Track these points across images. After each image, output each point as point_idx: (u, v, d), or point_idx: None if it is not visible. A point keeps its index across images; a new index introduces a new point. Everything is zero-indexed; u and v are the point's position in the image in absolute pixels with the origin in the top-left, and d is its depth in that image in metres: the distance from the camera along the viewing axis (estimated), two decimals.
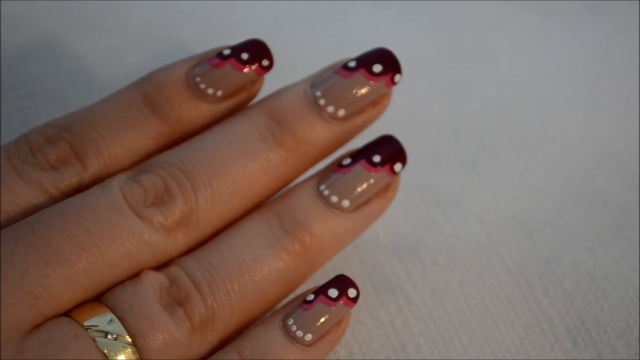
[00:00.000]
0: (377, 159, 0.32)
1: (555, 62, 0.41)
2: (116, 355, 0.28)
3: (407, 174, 0.37)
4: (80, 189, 0.31)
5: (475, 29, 0.41)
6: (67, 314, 0.29)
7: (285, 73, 0.35)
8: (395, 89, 0.34)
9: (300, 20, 0.41)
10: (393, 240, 0.36)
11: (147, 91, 0.32)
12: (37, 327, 0.28)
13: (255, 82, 0.33)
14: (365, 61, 0.32)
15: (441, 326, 0.35)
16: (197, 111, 0.32)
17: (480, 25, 0.42)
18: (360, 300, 0.35)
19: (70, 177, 0.30)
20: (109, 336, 0.28)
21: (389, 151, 0.32)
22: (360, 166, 0.32)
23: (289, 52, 0.39)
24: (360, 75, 0.32)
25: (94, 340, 0.28)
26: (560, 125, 0.39)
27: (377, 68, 0.32)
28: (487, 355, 0.34)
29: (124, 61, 0.39)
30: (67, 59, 0.39)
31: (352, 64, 0.32)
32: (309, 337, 0.30)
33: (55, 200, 0.30)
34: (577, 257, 0.36)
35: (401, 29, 0.41)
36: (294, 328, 0.30)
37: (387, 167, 0.32)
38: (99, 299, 0.29)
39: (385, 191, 0.32)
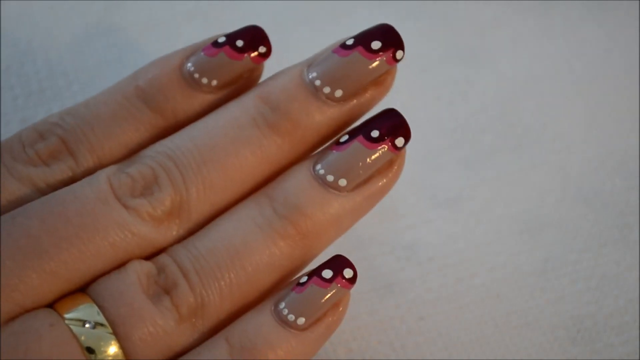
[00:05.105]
0: (375, 134, 0.30)
1: (555, 62, 0.41)
2: (94, 343, 0.28)
3: (407, 173, 0.37)
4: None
5: (475, 29, 0.41)
6: (51, 305, 0.28)
7: None
8: (395, 88, 0.34)
9: (300, 20, 0.41)
10: (391, 240, 0.36)
11: (141, 83, 0.31)
12: (13, 319, 0.28)
13: (253, 70, 0.32)
14: (364, 38, 0.30)
15: (440, 325, 0.35)
16: (192, 102, 0.31)
17: (480, 25, 0.42)
18: (359, 299, 0.35)
19: (62, 172, 0.30)
20: (87, 325, 0.28)
21: (389, 125, 0.30)
22: (358, 142, 0.30)
23: (289, 51, 0.39)
24: (357, 53, 0.30)
25: (71, 329, 0.27)
26: (560, 125, 0.39)
27: (376, 45, 0.30)
28: (487, 355, 0.34)
29: (124, 61, 0.39)
30: (67, 59, 0.39)
31: (350, 41, 0.31)
32: (301, 320, 0.29)
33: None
34: (577, 257, 0.36)
35: (401, 29, 0.41)
36: (286, 312, 0.29)
37: (387, 142, 0.30)
38: (85, 289, 0.29)
39: (388, 168, 0.30)
